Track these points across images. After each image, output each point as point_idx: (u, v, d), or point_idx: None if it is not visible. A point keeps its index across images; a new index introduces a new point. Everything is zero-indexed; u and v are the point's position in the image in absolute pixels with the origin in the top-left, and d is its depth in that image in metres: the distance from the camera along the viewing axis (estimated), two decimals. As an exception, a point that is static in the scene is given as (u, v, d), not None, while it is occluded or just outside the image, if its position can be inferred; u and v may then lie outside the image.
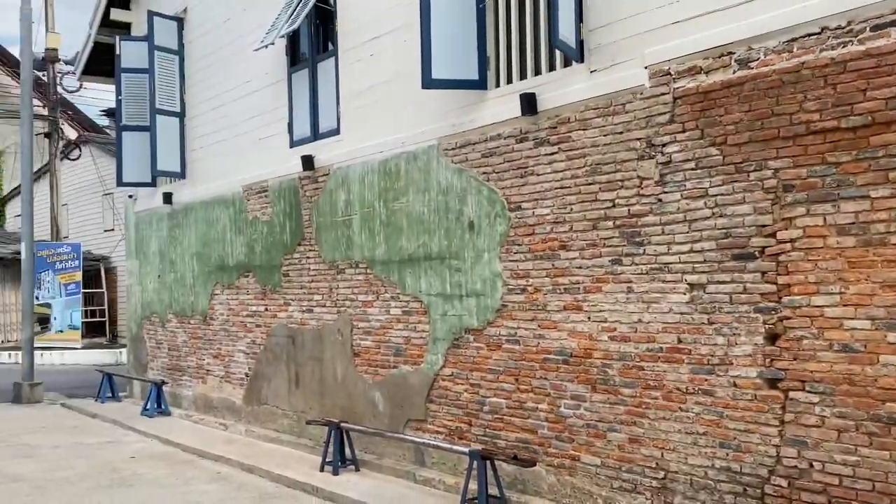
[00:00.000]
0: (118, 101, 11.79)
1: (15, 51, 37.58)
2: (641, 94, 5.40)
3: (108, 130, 33.44)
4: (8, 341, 23.84)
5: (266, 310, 9.48)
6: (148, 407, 10.99)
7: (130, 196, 12.73)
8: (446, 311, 6.93)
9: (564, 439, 5.91)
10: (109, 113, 33.61)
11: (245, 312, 9.88)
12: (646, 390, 5.35)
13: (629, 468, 5.46)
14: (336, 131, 8.38)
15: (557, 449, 5.96)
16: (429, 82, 6.52)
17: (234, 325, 10.12)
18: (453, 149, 6.87)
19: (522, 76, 6.45)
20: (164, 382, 11.19)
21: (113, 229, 23.30)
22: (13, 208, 32.21)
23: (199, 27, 10.96)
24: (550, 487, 6.00)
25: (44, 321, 20.45)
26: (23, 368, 12.80)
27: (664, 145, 5.26)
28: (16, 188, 32.31)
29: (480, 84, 6.60)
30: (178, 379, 11.41)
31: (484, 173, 6.58)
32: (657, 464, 5.30)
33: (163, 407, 11.04)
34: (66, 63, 21.61)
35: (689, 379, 5.10)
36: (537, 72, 6.33)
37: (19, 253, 24.05)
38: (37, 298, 17.24)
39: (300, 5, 8.31)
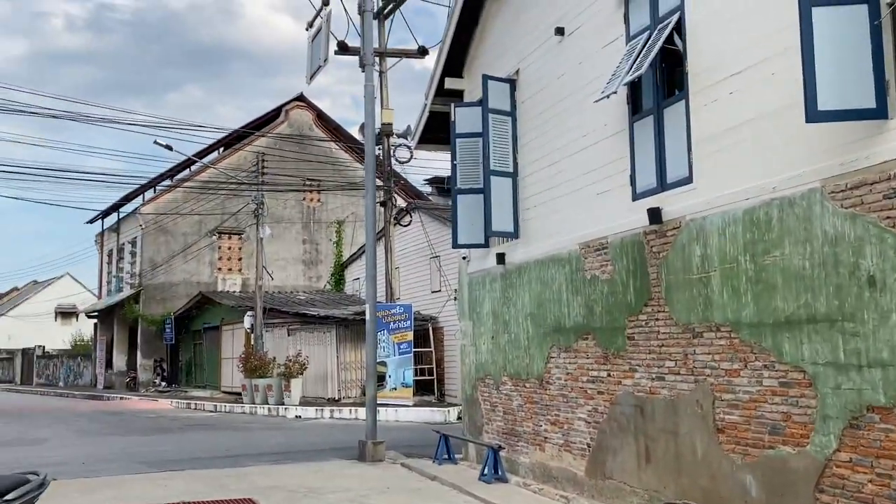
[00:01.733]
0: (453, 166, 12.01)
1: (350, 129, 41.30)
2: None
3: (430, 197, 35.52)
4: (348, 397, 25.57)
5: (609, 375, 8.85)
6: (485, 472, 10.77)
7: (464, 258, 12.89)
8: (840, 384, 5.82)
9: None
10: (432, 181, 35.79)
11: (585, 378, 9.33)
12: None
13: None
14: (688, 180, 7.64)
15: None
16: (815, 114, 5.60)
17: (572, 390, 9.61)
18: (843, 191, 5.83)
19: (935, 99, 5.31)
20: (500, 447, 10.94)
21: (440, 290, 24.23)
22: (351, 273, 35.07)
23: (532, 85, 10.86)
24: None
25: (379, 379, 21.59)
26: (367, 426, 13.29)
27: None
28: (353, 254, 35.22)
29: (879, 113, 5.54)
30: (513, 444, 11.12)
31: (888, 218, 5.48)
32: None
33: (500, 473, 10.76)
34: (399, 136, 23.14)
35: None
36: (958, 92, 5.17)
37: (359, 314, 26.01)
38: (375, 357, 18.13)
39: (645, 49, 7.78)
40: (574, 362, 9.57)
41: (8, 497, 5.31)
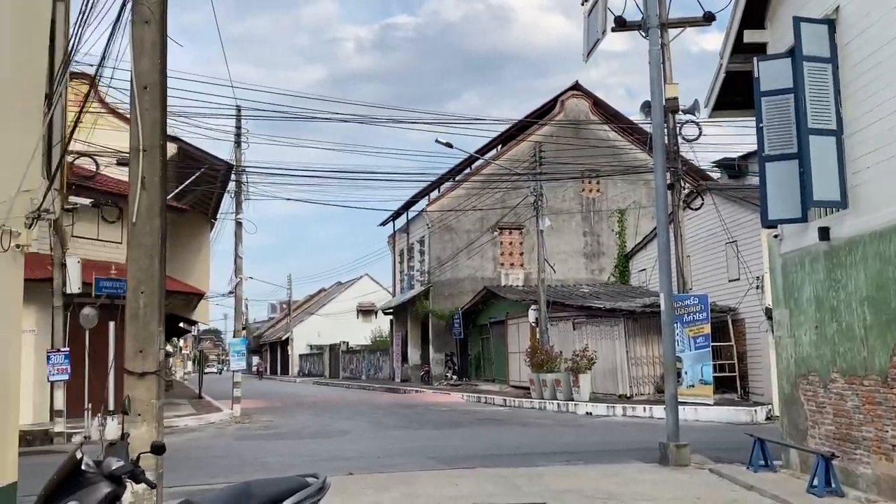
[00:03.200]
0: (759, 130, 10.38)
1: (629, 116, 39.43)
2: None
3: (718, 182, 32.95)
4: (640, 394, 24.21)
5: None
6: (815, 484, 9.13)
7: (776, 236, 11.20)
8: None
9: None
10: (721, 164, 33.20)
11: (951, 374, 7.44)
12: None
13: None
14: None
15: None
16: None
17: (932, 390, 7.73)
18: None
19: None
20: (833, 455, 9.23)
21: (738, 279, 22.16)
22: (636, 264, 33.56)
23: (857, 23, 9.02)
24: None
25: (674, 374, 20.06)
26: (667, 427, 12.06)
27: None
28: (638, 244, 33.67)
29: None
30: (849, 452, 9.33)
31: None
32: None
33: (833, 485, 9.08)
34: (685, 112, 21.42)
35: None
36: None
37: (647, 306, 24.60)
38: (670, 351, 16.71)
39: None
40: (934, 355, 7.69)
41: (286, 502, 4.90)
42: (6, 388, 7.86)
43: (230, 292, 26.09)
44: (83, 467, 4.43)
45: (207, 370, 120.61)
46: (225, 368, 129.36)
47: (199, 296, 25.43)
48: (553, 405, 24.11)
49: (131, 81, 8.08)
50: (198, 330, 42.50)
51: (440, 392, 33.47)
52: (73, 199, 18.46)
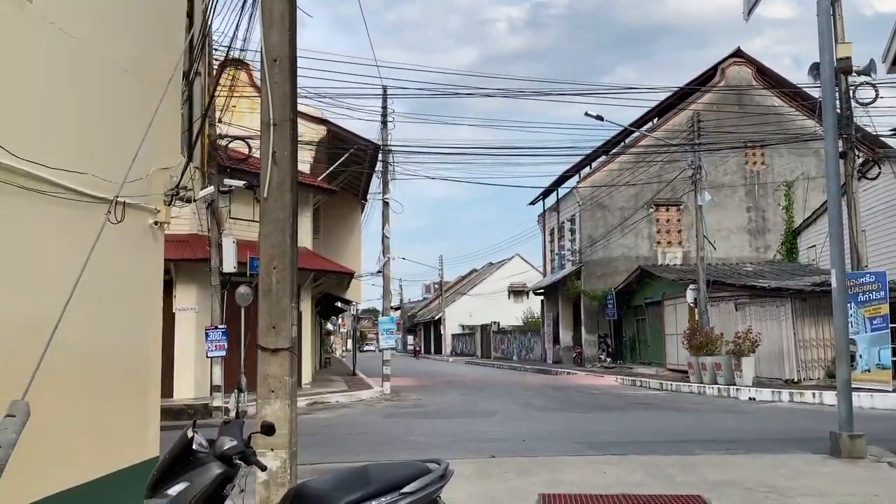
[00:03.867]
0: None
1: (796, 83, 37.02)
2: None
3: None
4: (809, 379, 22.55)
5: None
6: None
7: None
8: None
9: None
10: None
11: None
12: None
13: None
14: None
15: None
16: None
17: None
18: None
19: None
20: None
21: (922, 254, 20.10)
22: (804, 240, 31.35)
23: None
24: None
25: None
26: (839, 415, 10.92)
27: None
28: (807, 219, 31.42)
29: None
30: None
31: None
32: None
33: None
34: (859, 73, 19.53)
35: None
36: None
37: (818, 285, 22.84)
38: (843, 333, 15.30)
39: None
40: None
41: (405, 490, 4.56)
42: (146, 365, 7.93)
43: (378, 272, 26.32)
44: (194, 447, 4.23)
45: (366, 348, 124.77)
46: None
47: (350, 275, 25.78)
48: (713, 390, 22.83)
49: (261, 54, 7.93)
50: (357, 309, 43.54)
51: (593, 374, 32.62)
52: (227, 181, 19.02)
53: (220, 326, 18.30)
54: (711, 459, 10.94)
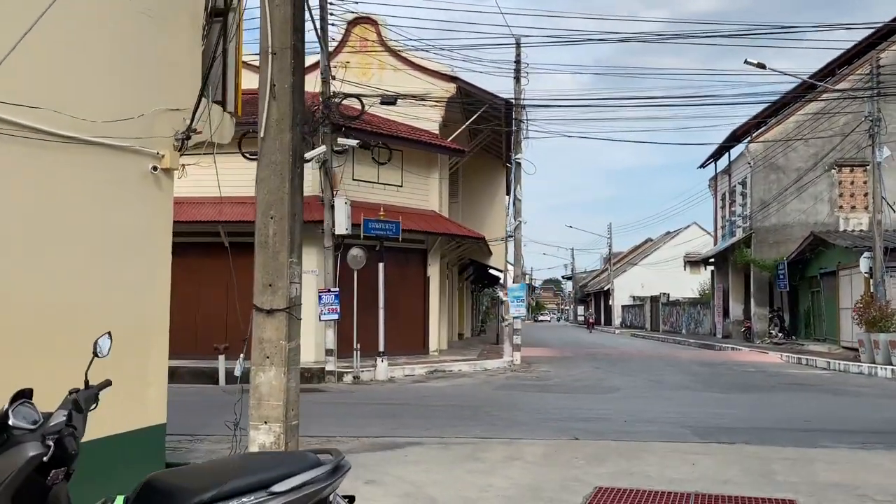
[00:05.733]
0: None
1: None
2: None
3: None
4: None
5: None
6: None
7: None
8: None
9: None
10: None
11: None
12: None
13: None
14: None
15: None
16: None
17: None
18: None
19: None
20: None
21: None
22: None
23: None
24: None
25: None
26: None
27: None
28: None
29: None
30: None
31: None
32: None
33: None
34: None
35: None
36: None
37: None
38: None
39: None
40: None
41: (275, 489, 3.54)
42: (150, 325, 7.22)
43: (509, 236, 25.04)
44: (10, 422, 3.33)
45: (541, 318, 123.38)
46: (562, 317, 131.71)
47: (481, 239, 24.74)
48: (886, 371, 19.95)
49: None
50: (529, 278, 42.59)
51: (758, 350, 29.83)
52: (341, 140, 18.44)
53: (332, 289, 17.84)
54: (834, 455, 9.06)
